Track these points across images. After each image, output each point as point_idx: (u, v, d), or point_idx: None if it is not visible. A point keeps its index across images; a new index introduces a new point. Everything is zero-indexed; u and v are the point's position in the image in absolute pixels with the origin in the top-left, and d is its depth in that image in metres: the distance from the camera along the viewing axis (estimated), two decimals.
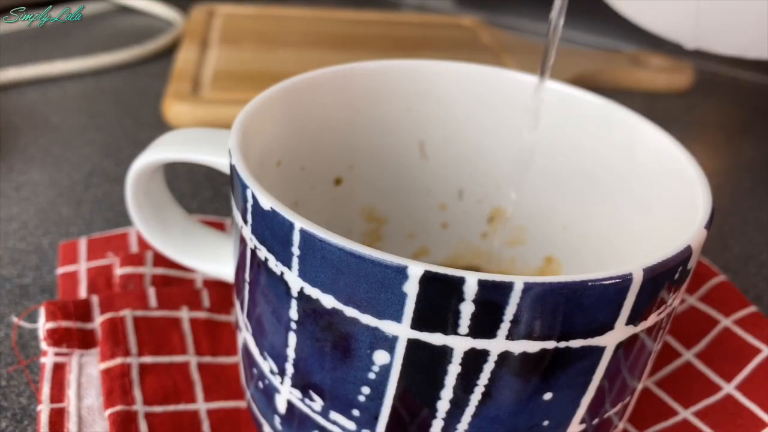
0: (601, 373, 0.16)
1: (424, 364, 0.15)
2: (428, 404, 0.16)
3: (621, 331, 0.15)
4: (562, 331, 0.15)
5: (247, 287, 0.18)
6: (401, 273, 0.14)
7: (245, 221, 0.17)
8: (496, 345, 0.15)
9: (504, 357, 0.15)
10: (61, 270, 0.28)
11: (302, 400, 0.18)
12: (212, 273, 0.25)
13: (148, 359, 0.23)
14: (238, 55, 0.50)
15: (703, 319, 0.26)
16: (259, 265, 0.17)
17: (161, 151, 0.22)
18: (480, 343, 0.15)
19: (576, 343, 0.15)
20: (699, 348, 0.26)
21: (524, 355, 0.15)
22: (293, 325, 0.17)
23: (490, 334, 0.14)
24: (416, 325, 0.15)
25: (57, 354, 0.23)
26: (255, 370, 0.20)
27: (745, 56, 0.25)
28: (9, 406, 0.23)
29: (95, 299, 0.25)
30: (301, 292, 0.16)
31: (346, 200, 0.26)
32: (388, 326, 0.15)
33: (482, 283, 0.14)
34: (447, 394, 0.16)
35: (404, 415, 0.16)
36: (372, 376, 0.16)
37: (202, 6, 0.59)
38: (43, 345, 0.23)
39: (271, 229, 0.16)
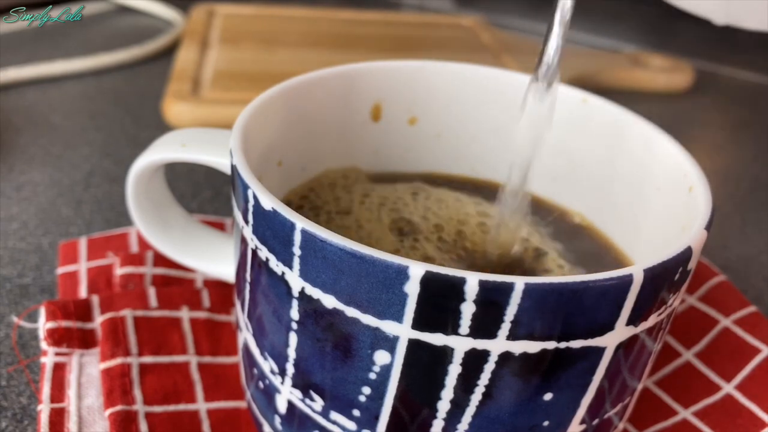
0: (602, 373, 0.16)
1: (424, 365, 0.15)
2: (429, 404, 0.16)
3: (621, 331, 0.15)
4: (563, 331, 0.15)
5: (247, 287, 0.18)
6: (402, 273, 0.14)
7: (246, 221, 0.17)
8: (497, 345, 0.15)
9: (504, 357, 0.15)
10: (61, 270, 0.28)
11: (303, 400, 0.18)
12: (212, 273, 0.25)
13: (148, 359, 0.23)
14: (238, 55, 0.50)
15: (702, 319, 0.26)
16: (260, 265, 0.17)
17: (162, 152, 0.22)
18: (481, 344, 0.15)
19: (576, 344, 0.15)
20: (699, 348, 0.26)
21: (525, 356, 0.15)
22: (294, 325, 0.17)
23: (491, 334, 0.14)
24: (417, 325, 0.15)
25: (57, 354, 0.23)
26: (255, 370, 0.20)
27: None
28: (9, 406, 0.23)
29: (95, 299, 0.25)
30: (302, 293, 0.16)
31: None
32: (389, 326, 0.15)
33: (483, 284, 0.14)
34: (447, 394, 0.16)
35: (405, 415, 0.16)
36: (373, 376, 0.16)
37: (202, 6, 0.59)
38: (44, 345, 0.24)
39: (272, 229, 0.16)
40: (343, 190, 0.24)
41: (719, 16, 0.25)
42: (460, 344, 0.15)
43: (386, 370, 0.16)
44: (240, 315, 0.20)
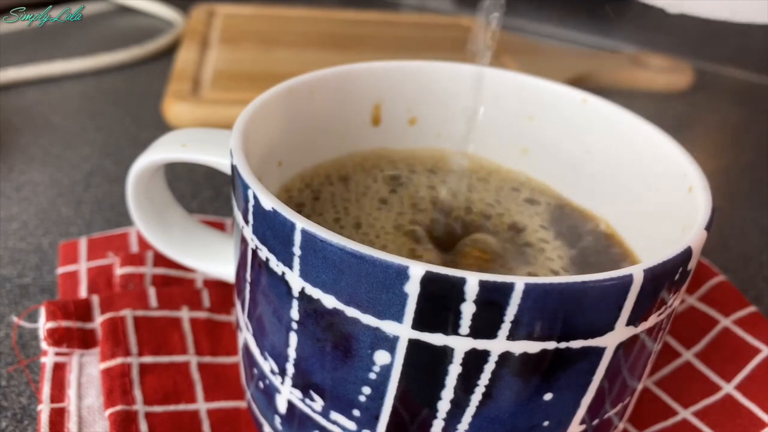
0: (602, 373, 0.16)
1: (424, 365, 0.15)
2: (429, 404, 0.16)
3: (621, 331, 0.15)
4: (563, 331, 0.15)
5: (248, 287, 0.18)
6: (402, 273, 0.14)
7: (246, 221, 0.17)
8: (497, 345, 0.15)
9: (504, 357, 0.15)
10: (61, 270, 0.28)
11: (303, 400, 0.18)
12: (212, 273, 0.25)
13: (148, 359, 0.23)
14: (238, 55, 0.50)
15: (702, 319, 0.26)
16: (260, 265, 0.17)
17: (162, 152, 0.22)
18: (481, 344, 0.15)
19: (576, 344, 0.15)
20: (699, 348, 0.26)
21: (525, 356, 0.15)
22: (294, 325, 0.17)
23: (491, 334, 0.14)
24: (417, 325, 0.15)
25: (57, 354, 0.23)
26: (255, 370, 0.20)
27: (731, 20, 0.25)
28: (9, 406, 0.23)
29: (95, 299, 0.25)
30: (302, 293, 0.16)
31: None
32: (389, 326, 0.15)
33: (483, 284, 0.14)
34: (447, 394, 0.16)
35: (405, 415, 0.16)
36: (373, 376, 0.16)
37: (202, 6, 0.59)
38: (44, 345, 0.24)
39: (273, 230, 0.16)
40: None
41: (673, 5, 0.25)
42: (460, 344, 0.15)
43: (386, 370, 0.16)
44: (240, 315, 0.20)
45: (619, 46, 0.63)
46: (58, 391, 0.22)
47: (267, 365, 0.19)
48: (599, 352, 0.15)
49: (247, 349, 0.20)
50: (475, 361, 0.15)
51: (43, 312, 0.24)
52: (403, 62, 0.24)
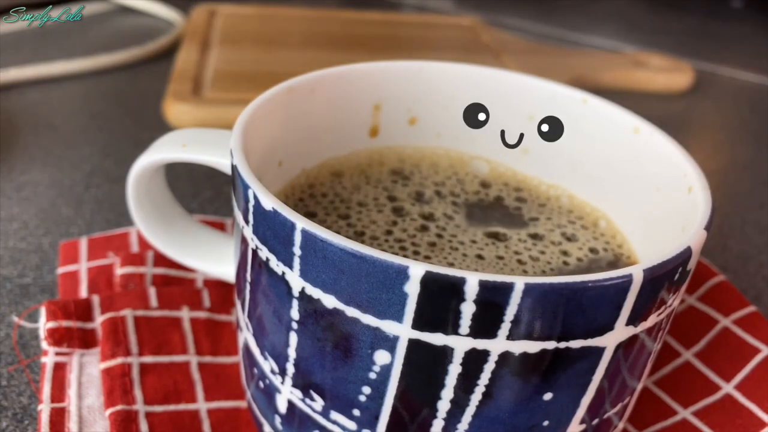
0: (601, 373, 0.16)
1: (424, 364, 0.15)
2: (429, 404, 0.16)
3: (621, 331, 0.15)
4: (563, 331, 0.15)
5: (248, 287, 0.18)
6: (402, 273, 0.14)
7: (247, 221, 0.17)
8: (497, 345, 0.15)
9: (504, 357, 0.15)
10: (61, 270, 0.28)
11: (303, 400, 0.18)
12: (213, 273, 0.25)
13: (148, 359, 0.23)
14: (239, 55, 0.50)
15: (702, 319, 0.26)
16: (260, 265, 0.17)
17: (162, 152, 0.22)
18: (480, 344, 0.15)
19: (576, 344, 0.15)
20: (698, 348, 0.26)
21: (524, 356, 0.15)
22: (294, 325, 0.17)
23: (491, 334, 0.14)
24: (417, 325, 0.15)
25: (58, 353, 0.24)
26: (256, 370, 0.20)
27: None
28: (9, 406, 0.23)
29: (96, 299, 0.25)
30: (302, 292, 0.16)
31: None
32: (389, 326, 0.15)
33: (483, 284, 0.14)
34: (447, 394, 0.16)
35: (405, 415, 0.16)
36: (373, 376, 0.16)
37: (202, 6, 0.60)
38: (44, 344, 0.24)
39: (273, 230, 0.16)
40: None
41: None
42: (460, 344, 0.15)
43: (386, 369, 0.16)
44: (240, 315, 0.20)
45: (619, 46, 0.63)
46: (59, 391, 0.22)
47: (267, 365, 0.19)
48: (599, 352, 0.15)
49: (247, 348, 0.20)
50: (475, 360, 0.15)
51: (43, 312, 0.24)
52: (403, 62, 0.24)
